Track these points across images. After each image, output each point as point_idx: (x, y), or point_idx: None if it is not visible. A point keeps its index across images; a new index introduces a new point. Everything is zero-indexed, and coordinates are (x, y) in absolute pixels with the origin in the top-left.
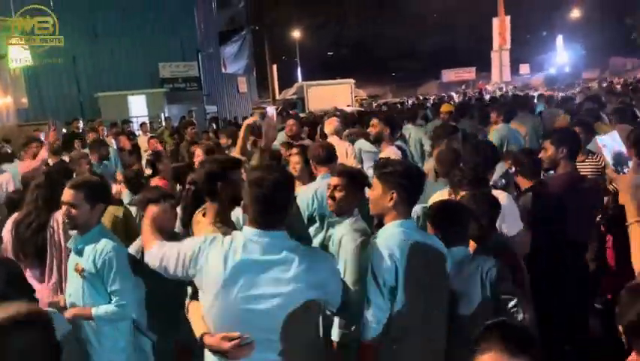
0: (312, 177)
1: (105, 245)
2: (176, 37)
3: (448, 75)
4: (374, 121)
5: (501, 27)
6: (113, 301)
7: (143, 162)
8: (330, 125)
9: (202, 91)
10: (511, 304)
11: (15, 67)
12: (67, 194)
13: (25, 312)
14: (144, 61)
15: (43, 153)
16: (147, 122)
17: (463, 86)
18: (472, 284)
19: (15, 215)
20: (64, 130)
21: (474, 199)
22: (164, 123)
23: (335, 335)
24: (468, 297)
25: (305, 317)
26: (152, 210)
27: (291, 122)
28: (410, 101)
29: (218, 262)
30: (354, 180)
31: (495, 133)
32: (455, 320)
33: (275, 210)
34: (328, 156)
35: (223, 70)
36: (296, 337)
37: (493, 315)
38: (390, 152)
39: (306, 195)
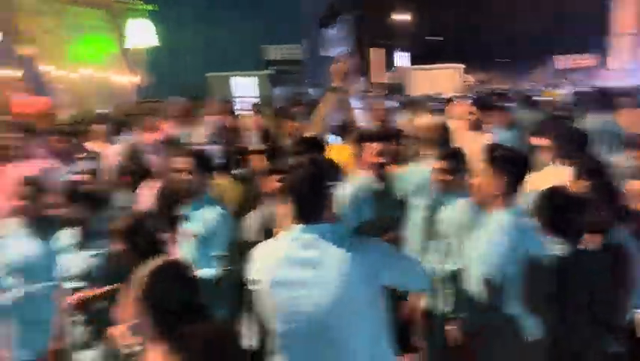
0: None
1: (213, 212)
2: (281, 21)
3: (563, 62)
4: None
5: (624, 8)
6: (216, 266)
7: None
8: (459, 110)
9: (304, 74)
10: None
11: (140, 47)
12: (182, 162)
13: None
14: (251, 43)
15: (164, 127)
16: (252, 102)
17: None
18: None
19: (152, 182)
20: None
21: (595, 188)
22: (266, 105)
23: None
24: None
25: (361, 309)
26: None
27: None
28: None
29: (264, 262)
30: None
31: None
32: None
33: (309, 203)
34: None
35: (324, 53)
36: (355, 331)
37: None
38: None
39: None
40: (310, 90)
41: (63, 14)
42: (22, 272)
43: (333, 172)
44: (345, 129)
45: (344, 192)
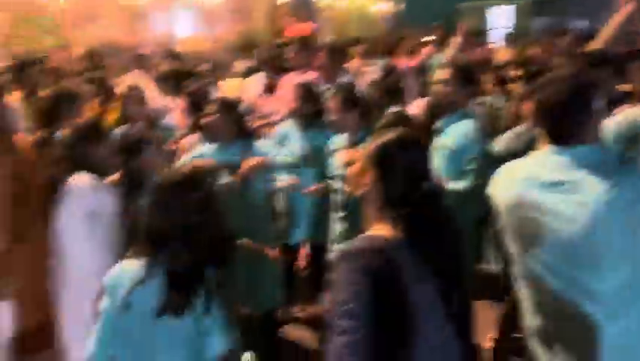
0: None
1: (466, 126)
2: None
3: None
4: None
5: None
6: (465, 180)
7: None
8: None
9: (571, 4)
10: None
11: None
12: (443, 73)
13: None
14: None
15: (427, 50)
16: (508, 34)
17: None
18: None
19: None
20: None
21: None
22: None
23: None
24: None
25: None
26: None
27: None
28: None
29: (505, 181)
30: None
31: None
32: None
33: (561, 122)
34: None
35: None
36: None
37: None
38: None
39: None
40: (576, 22)
41: None
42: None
43: (595, 90)
44: None
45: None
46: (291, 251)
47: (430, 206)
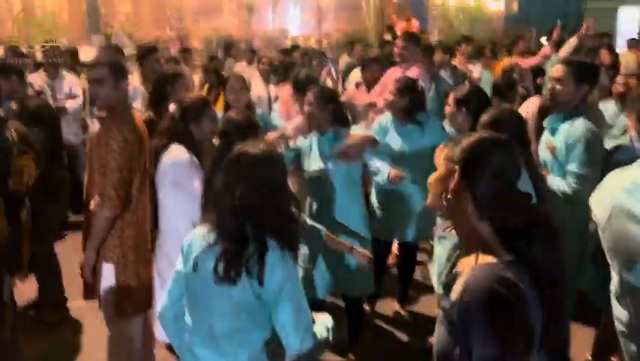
0: None
1: (581, 125)
2: None
3: None
4: None
5: None
6: (569, 182)
7: None
8: None
9: None
10: None
11: None
12: (556, 71)
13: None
14: None
15: (546, 50)
16: (631, 39)
17: None
18: None
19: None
20: (543, 38)
21: None
22: None
23: None
24: None
25: None
26: None
27: None
28: None
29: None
30: None
31: None
32: None
33: None
34: None
35: None
36: None
37: None
38: None
39: None
40: None
41: None
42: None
43: None
44: None
45: None
46: (382, 245)
47: (533, 219)
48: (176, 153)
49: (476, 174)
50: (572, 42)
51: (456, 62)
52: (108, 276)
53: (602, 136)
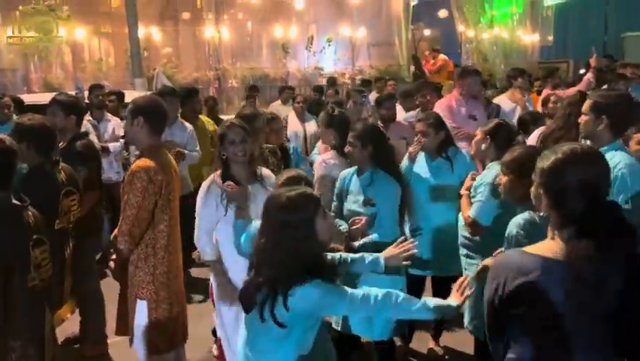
0: None
1: (620, 159)
2: None
3: None
4: None
5: None
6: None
7: None
8: None
9: None
10: None
11: (548, 5)
12: (585, 104)
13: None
14: None
15: (589, 76)
16: None
17: None
18: None
19: (541, 128)
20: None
21: None
22: None
23: None
24: None
25: None
26: None
27: None
28: None
29: None
30: None
31: None
32: None
33: None
34: None
35: None
36: None
37: None
38: None
39: None
40: None
41: None
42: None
43: None
44: None
45: None
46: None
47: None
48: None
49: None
50: (587, 78)
51: (509, 94)
52: (141, 313)
53: None
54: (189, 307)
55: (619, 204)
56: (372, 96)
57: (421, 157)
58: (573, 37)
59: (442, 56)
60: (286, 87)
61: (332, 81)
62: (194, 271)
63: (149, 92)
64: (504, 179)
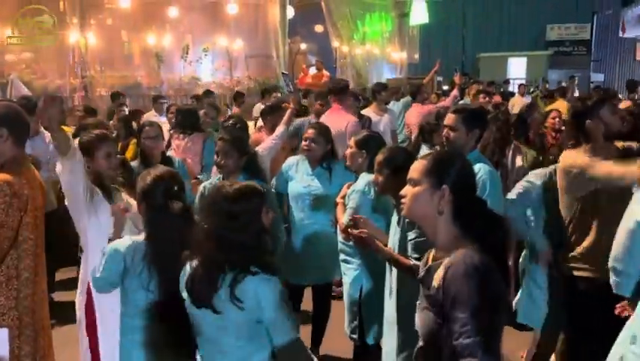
0: None
1: (481, 167)
2: None
3: None
4: None
5: None
6: None
7: None
8: None
9: (590, 56)
10: None
11: (413, 25)
12: (449, 118)
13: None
14: (531, 22)
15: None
16: (525, 84)
17: None
18: None
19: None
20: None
21: None
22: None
23: None
24: None
25: None
26: None
27: None
28: None
29: None
30: None
31: None
32: None
33: None
34: None
35: (621, 34)
36: None
37: None
38: None
39: None
40: (592, 75)
41: None
42: None
43: None
44: None
45: None
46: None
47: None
48: None
49: (464, 191)
50: (452, 95)
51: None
52: (2, 342)
53: None
54: (54, 334)
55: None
56: (258, 107)
57: (302, 165)
58: (436, 56)
59: (325, 72)
60: (159, 97)
61: (209, 92)
62: (58, 295)
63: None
64: (379, 177)
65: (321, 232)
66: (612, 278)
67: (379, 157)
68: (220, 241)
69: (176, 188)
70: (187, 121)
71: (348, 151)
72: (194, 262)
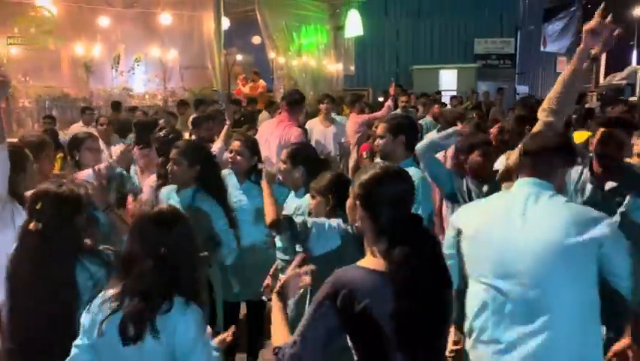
0: None
1: (414, 174)
2: (495, 13)
3: None
4: None
5: None
6: None
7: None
8: None
9: (515, 69)
10: None
11: (349, 37)
12: (379, 128)
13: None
14: (459, 37)
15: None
16: (456, 95)
17: None
18: None
19: None
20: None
21: None
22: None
23: None
24: None
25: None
26: None
27: None
28: None
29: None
30: None
31: None
32: None
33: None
34: None
35: (542, 48)
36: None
37: None
38: None
39: None
40: (518, 87)
41: (293, 6)
42: None
43: None
44: None
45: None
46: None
47: (415, 240)
48: None
49: (370, 205)
50: (387, 105)
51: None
52: None
53: None
54: None
55: (421, 216)
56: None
57: (230, 179)
58: (371, 68)
59: (261, 82)
60: (87, 108)
61: (134, 109)
62: None
63: None
64: (314, 202)
65: (253, 247)
66: None
67: (313, 184)
68: (147, 270)
69: (38, 206)
70: (146, 134)
71: (281, 166)
72: (115, 298)
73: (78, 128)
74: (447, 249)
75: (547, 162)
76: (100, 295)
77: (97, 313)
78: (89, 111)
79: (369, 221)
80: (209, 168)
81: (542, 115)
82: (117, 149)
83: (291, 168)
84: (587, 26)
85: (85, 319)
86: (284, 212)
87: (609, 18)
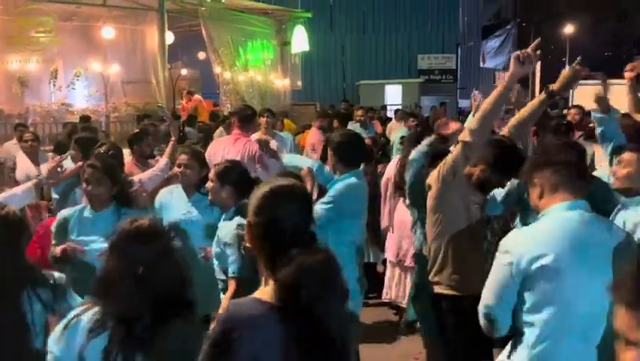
0: None
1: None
2: (438, 30)
3: None
4: None
5: None
6: None
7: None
8: None
9: (456, 84)
10: None
11: (295, 53)
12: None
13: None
14: (404, 53)
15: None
16: (400, 109)
17: None
18: None
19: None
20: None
21: None
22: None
23: None
24: None
25: None
26: None
27: None
28: None
29: None
30: None
31: None
32: None
33: None
34: None
35: (481, 64)
36: None
37: None
38: None
39: None
40: (460, 101)
41: (238, 21)
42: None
43: None
44: None
45: None
46: None
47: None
48: None
49: (264, 225)
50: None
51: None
52: None
53: None
54: None
55: (317, 237)
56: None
57: (178, 193)
58: (318, 83)
59: (196, 96)
60: (21, 125)
61: (85, 119)
62: None
63: None
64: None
65: (198, 262)
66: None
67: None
68: (128, 291)
69: None
70: (88, 150)
71: (209, 185)
72: (96, 323)
73: (11, 145)
74: None
75: None
76: (64, 320)
77: (70, 340)
78: (22, 128)
79: (262, 242)
80: (125, 186)
81: (462, 136)
82: (46, 166)
83: (219, 187)
84: (514, 54)
85: (54, 347)
86: (218, 234)
87: (537, 41)
